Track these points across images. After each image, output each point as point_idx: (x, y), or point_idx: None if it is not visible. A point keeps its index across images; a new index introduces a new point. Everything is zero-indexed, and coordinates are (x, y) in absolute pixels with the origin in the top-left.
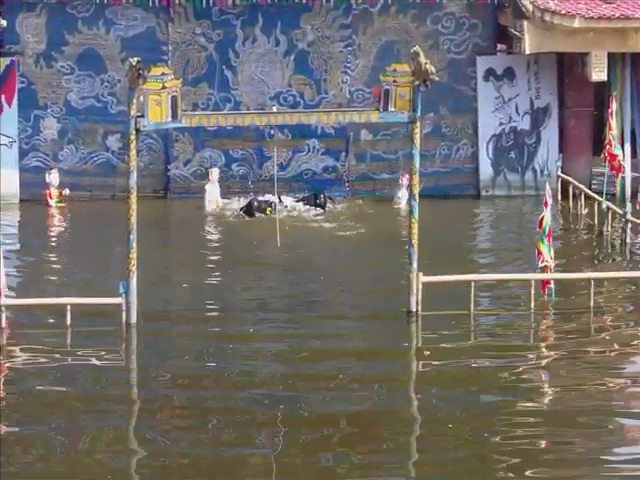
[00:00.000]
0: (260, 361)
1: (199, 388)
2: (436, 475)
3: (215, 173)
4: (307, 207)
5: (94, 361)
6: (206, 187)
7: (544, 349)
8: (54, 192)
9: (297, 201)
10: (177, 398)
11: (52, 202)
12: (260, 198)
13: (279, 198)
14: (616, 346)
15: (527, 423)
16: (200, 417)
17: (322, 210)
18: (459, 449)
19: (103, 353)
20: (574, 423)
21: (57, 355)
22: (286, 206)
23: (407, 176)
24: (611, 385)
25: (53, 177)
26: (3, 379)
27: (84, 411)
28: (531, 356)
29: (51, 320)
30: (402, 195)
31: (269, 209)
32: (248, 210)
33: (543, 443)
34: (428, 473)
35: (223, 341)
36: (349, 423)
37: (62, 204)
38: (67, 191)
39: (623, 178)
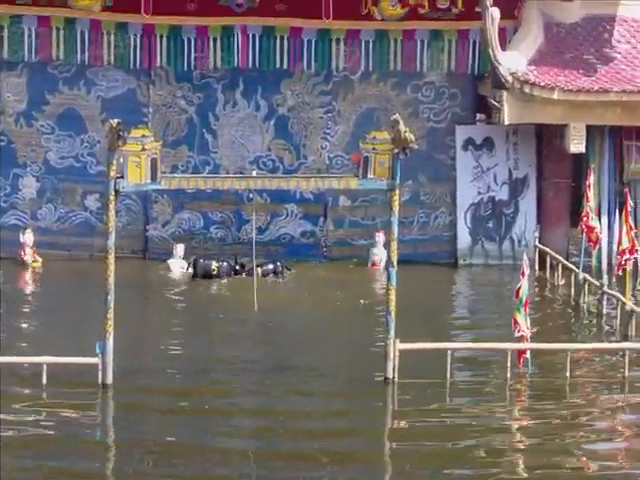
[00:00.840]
0: (235, 437)
1: (172, 464)
2: None
3: (180, 249)
4: (267, 274)
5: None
6: (169, 262)
7: (519, 426)
8: (28, 252)
9: (257, 266)
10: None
11: (27, 262)
12: (205, 261)
13: (236, 261)
14: (591, 424)
15: None
16: None
17: (279, 279)
18: None
19: (78, 416)
20: None
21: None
22: (244, 267)
23: (383, 232)
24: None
25: (27, 237)
26: None
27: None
28: (505, 436)
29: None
30: (378, 252)
31: (216, 265)
32: (194, 269)
33: None
34: None
35: (197, 414)
36: None
37: (37, 264)
38: (39, 260)
39: (600, 250)
